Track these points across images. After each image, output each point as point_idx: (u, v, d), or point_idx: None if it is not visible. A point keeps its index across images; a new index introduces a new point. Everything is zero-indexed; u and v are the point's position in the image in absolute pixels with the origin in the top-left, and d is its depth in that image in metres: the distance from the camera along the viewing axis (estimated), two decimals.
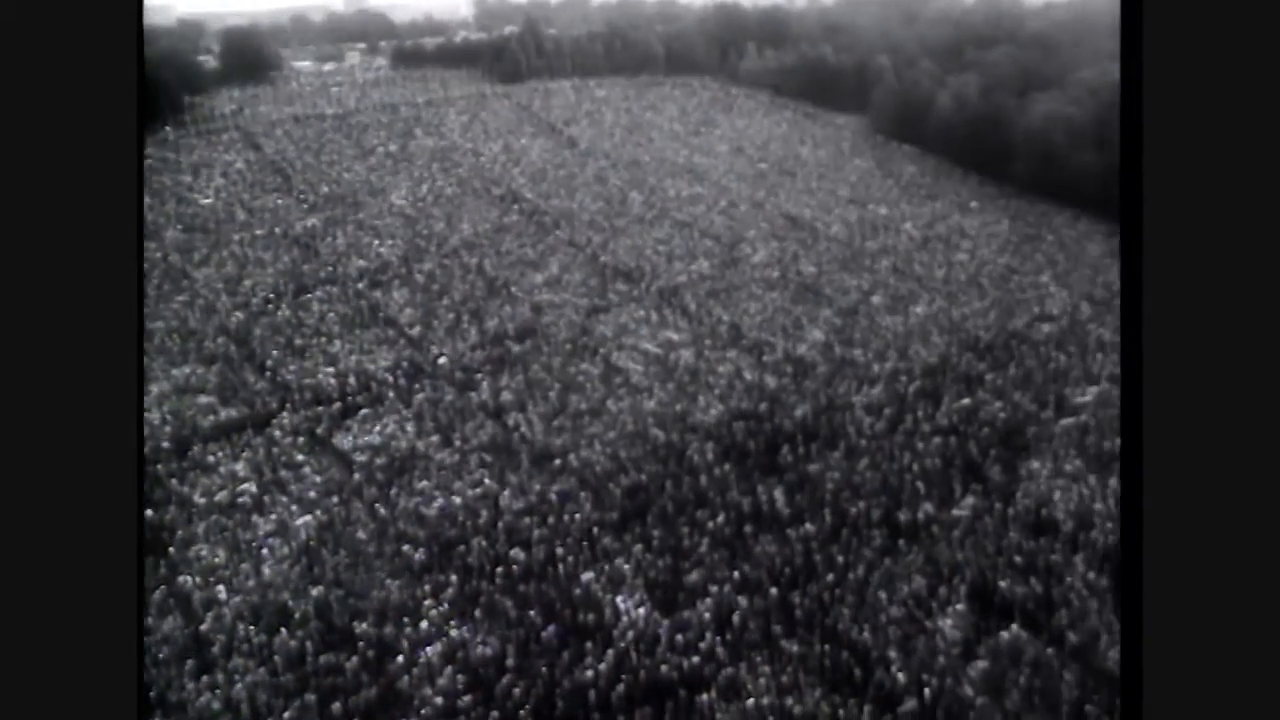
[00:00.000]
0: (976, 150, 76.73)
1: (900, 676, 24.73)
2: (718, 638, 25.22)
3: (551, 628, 24.73)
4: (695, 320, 43.83)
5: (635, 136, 76.91)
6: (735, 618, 26.00)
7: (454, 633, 24.63)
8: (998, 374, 42.74)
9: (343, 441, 33.94)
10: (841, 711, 23.51)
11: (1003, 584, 28.74)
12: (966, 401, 39.16)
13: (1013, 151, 75.03)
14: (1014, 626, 27.17)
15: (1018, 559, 30.02)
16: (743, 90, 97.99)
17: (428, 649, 24.06)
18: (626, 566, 27.35)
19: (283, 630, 24.61)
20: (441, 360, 39.14)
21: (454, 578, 26.47)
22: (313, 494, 30.94)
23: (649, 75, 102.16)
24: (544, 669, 23.43)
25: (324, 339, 41.59)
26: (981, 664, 25.57)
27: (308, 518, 29.40)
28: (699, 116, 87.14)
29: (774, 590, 27.06)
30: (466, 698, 22.45)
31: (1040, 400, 40.86)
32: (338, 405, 36.07)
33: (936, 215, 66.33)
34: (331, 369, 38.76)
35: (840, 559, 28.79)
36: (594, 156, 69.36)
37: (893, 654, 25.46)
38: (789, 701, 23.59)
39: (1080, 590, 28.96)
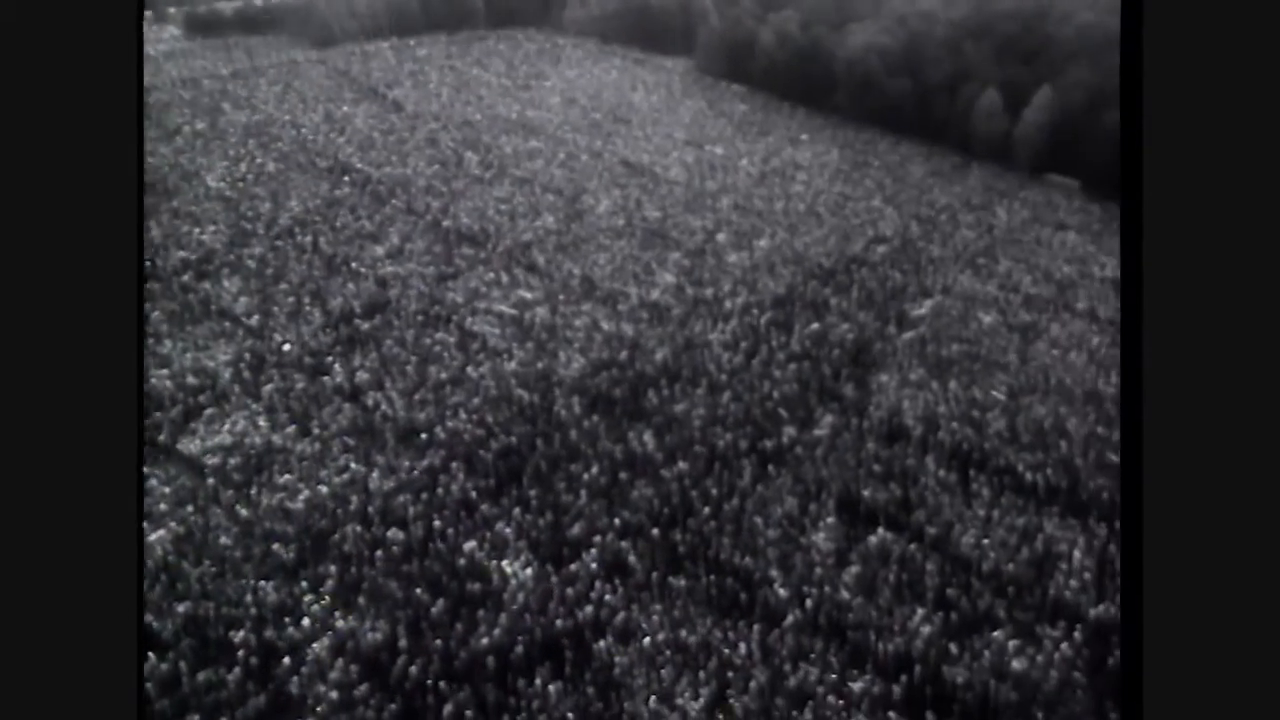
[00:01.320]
0: (801, 84, 79.16)
1: (783, 593, 26.08)
2: (607, 585, 25.71)
3: (440, 602, 24.47)
4: (546, 277, 43.56)
5: (463, 95, 74.63)
6: (621, 563, 26.59)
7: (340, 624, 23.94)
8: (841, 297, 44.92)
9: (189, 446, 31.86)
10: (731, 635, 24.62)
11: (866, 493, 30.67)
12: (816, 326, 41.02)
13: (834, 82, 77.89)
14: (880, 529, 29.15)
15: (876, 467, 32.05)
16: (569, 39, 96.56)
17: (314, 645, 23.31)
18: (508, 530, 27.31)
19: (150, 655, 23.16)
20: (287, 347, 37.27)
21: (332, 569, 25.64)
22: (163, 506, 28.99)
23: (470, 30, 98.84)
24: (438, 644, 23.21)
25: (151, 340, 38.68)
26: (854, 569, 27.34)
27: (161, 532, 27.58)
28: (527, 69, 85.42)
29: (655, 530, 27.76)
30: (362, 687, 21.99)
31: (882, 318, 43.36)
32: (178, 409, 33.74)
33: (770, 150, 68.21)
34: (165, 371, 36.16)
35: (715, 491, 29.81)
36: (423, 119, 66.90)
37: (774, 573, 26.79)
38: (683, 634, 24.44)
39: (934, 487, 31.32)
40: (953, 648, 24.70)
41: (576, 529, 27.55)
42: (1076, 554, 28.65)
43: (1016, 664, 24.32)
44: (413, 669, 22.43)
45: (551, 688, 22.43)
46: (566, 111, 72.30)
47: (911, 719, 22.50)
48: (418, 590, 24.76)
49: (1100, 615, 26.23)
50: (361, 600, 24.54)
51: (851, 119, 75.96)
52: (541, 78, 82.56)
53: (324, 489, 28.77)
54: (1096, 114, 63.85)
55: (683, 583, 26.15)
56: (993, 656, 24.55)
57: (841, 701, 22.96)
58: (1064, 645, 25.12)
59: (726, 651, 24.10)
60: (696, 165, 62.45)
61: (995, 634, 25.36)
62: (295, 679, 22.31)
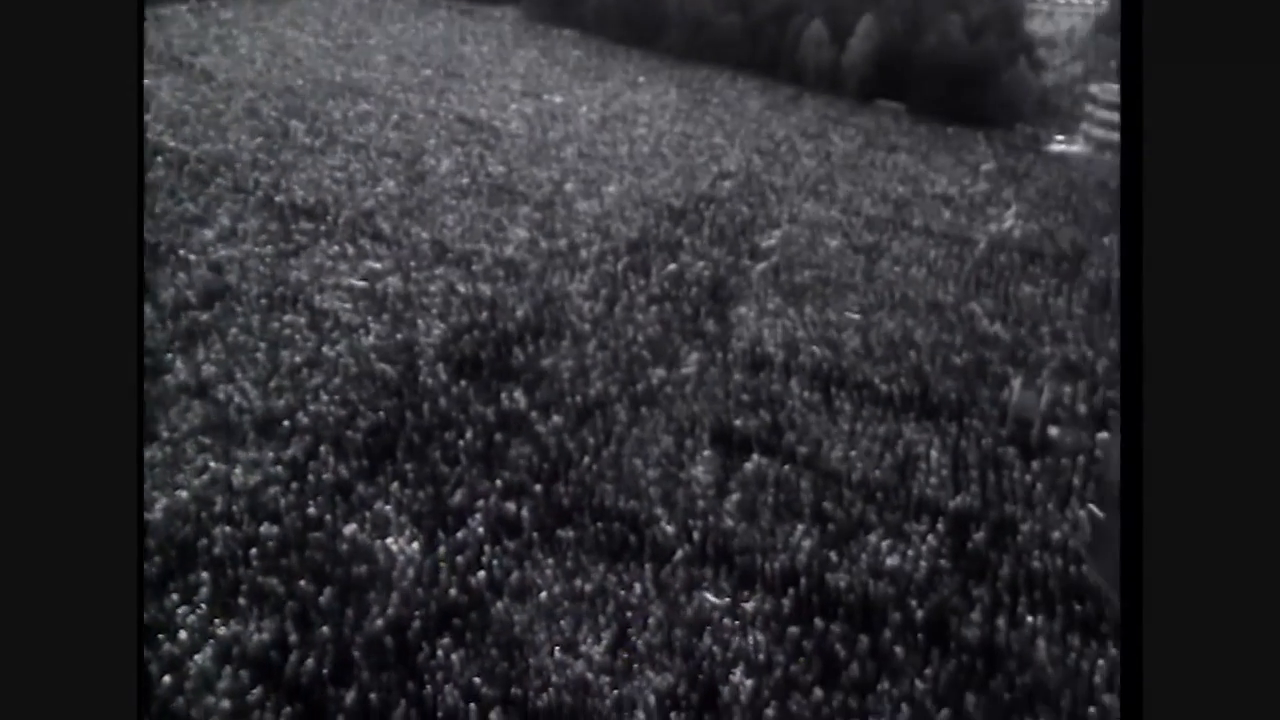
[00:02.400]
0: (634, 26, 78.76)
1: (669, 529, 26.80)
2: (496, 547, 25.63)
3: (327, 590, 23.71)
4: (394, 244, 41.99)
5: (280, 59, 69.88)
6: (508, 523, 26.53)
7: (222, 631, 22.82)
8: (694, 236, 45.66)
9: None
10: (625, 576, 25.16)
11: (737, 422, 31.73)
12: (673, 267, 41.58)
13: (666, 22, 77.89)
14: (754, 456, 30.30)
15: (745, 397, 33.16)
16: None
17: (196, 657, 22.14)
18: (388, 508, 26.66)
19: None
20: None
21: (205, 575, 24.30)
22: None
23: None
24: (330, 633, 22.56)
25: None
26: (734, 496, 28.38)
27: None
28: (347, 27, 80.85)
29: (538, 487, 27.79)
30: (255, 691, 21.13)
31: (735, 252, 44.42)
32: None
33: (609, 95, 67.79)
34: None
35: (591, 440, 30.07)
36: (238, 88, 62.28)
37: (659, 511, 27.44)
38: (577, 583, 24.75)
39: (800, 409, 32.76)
40: (833, 556, 26.20)
41: (458, 497, 27.21)
42: (934, 453, 30.81)
43: (891, 561, 26.08)
44: (308, 662, 21.76)
45: (454, 656, 22.32)
46: (395, 70, 69.16)
47: (802, 628, 23.80)
48: (301, 582, 23.89)
49: (958, 506, 28.43)
50: (242, 602, 23.45)
51: (686, 58, 76.42)
52: (364, 35, 78.42)
53: (183, 494, 27.08)
54: (916, 38, 66.88)
55: (571, 534, 26.40)
56: (869, 558, 26.21)
57: (737, 623, 23.99)
58: (929, 538, 27.12)
59: (622, 594, 24.62)
60: (536, 116, 61.38)
61: (870, 537, 27.06)
62: (180, 698, 21.19)
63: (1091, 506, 28.98)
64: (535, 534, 26.30)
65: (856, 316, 39.05)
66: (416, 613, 23.33)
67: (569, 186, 49.93)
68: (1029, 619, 24.53)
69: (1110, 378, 36.34)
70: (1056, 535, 27.47)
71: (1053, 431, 32.15)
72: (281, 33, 77.51)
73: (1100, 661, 23.63)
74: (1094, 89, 66.06)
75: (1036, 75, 71.79)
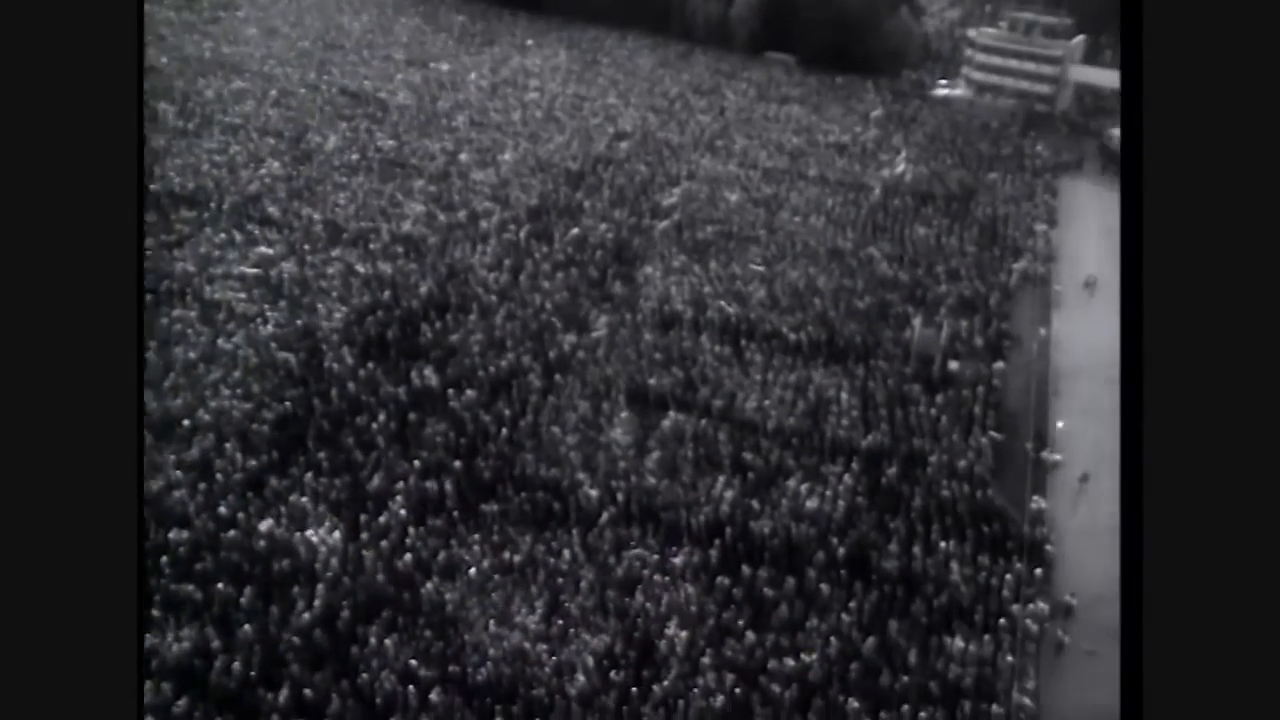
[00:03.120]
0: None
1: (593, 493, 26.94)
2: (420, 528, 25.30)
3: (248, 590, 22.97)
4: (285, 228, 40.30)
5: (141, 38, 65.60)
6: (430, 503, 26.20)
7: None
8: (594, 198, 45.35)
9: None
10: (553, 544, 25.24)
11: (651, 381, 31.96)
12: (575, 231, 41.25)
13: None
14: (671, 413, 30.63)
15: (657, 355, 33.38)
16: None
17: None
18: (304, 500, 25.93)
19: None
20: None
21: None
22: None
23: None
24: (255, 634, 21.93)
25: None
26: (655, 454, 28.69)
27: None
28: (212, 0, 76.36)
29: (457, 463, 27.47)
30: (180, 702, 20.39)
31: (636, 212, 44.35)
32: None
33: (497, 60, 66.24)
34: None
35: (507, 411, 29.84)
36: None
37: (581, 476, 27.52)
38: (506, 556, 24.70)
39: (712, 363, 33.21)
40: (754, 504, 26.85)
41: (376, 481, 26.67)
42: (844, 396, 31.75)
43: (810, 504, 26.89)
44: (234, 667, 21.12)
45: (388, 641, 22.04)
46: (269, 43, 65.78)
47: (730, 577, 24.39)
48: (220, 585, 23.08)
49: (870, 444, 29.46)
50: (156, 613, 22.52)
51: (574, 18, 75.18)
52: (231, 8, 74.18)
53: None
54: None
55: (495, 507, 26.27)
56: (789, 503, 26.97)
57: (667, 578, 24.41)
58: (845, 477, 28.06)
59: (552, 561, 24.70)
60: (424, 85, 59.50)
61: (789, 483, 27.81)
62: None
63: (992, 433, 30.46)
64: (458, 511, 26.06)
65: (760, 268, 39.64)
66: (345, 602, 22.90)
67: (463, 156, 48.77)
68: (942, 544, 25.76)
69: (1002, 310, 38.04)
70: (962, 463, 28.79)
71: (953, 365, 33.53)
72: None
73: (1008, 576, 25.05)
74: (971, 33, 68.01)
75: (918, 22, 73.52)
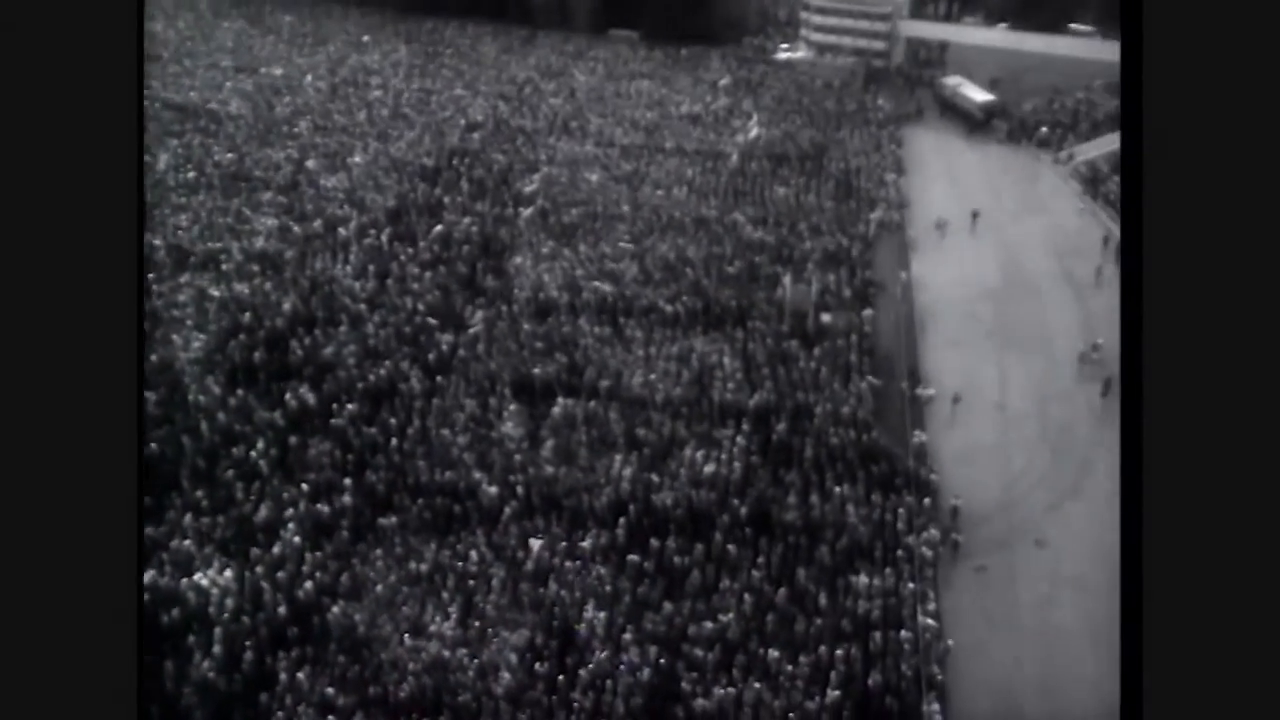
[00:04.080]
0: None
1: (492, 490, 26.60)
2: (317, 553, 24.36)
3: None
4: None
5: None
6: (323, 527, 25.25)
7: None
8: (453, 193, 44.37)
9: None
10: (459, 547, 24.82)
11: (536, 370, 31.71)
12: (439, 229, 40.29)
13: None
14: (559, 399, 30.53)
15: (538, 344, 33.12)
16: None
17: None
18: (187, 543, 24.47)
19: None
20: None
21: None
22: None
23: None
24: (154, 692, 20.62)
25: None
26: (549, 443, 28.55)
27: None
28: None
29: (348, 480, 26.56)
30: None
31: (499, 202, 43.67)
32: None
33: (334, 60, 63.60)
34: None
35: (393, 420, 29.02)
36: None
37: (478, 476, 27.11)
38: (412, 566, 24.12)
39: (594, 345, 33.21)
40: (654, 477, 27.15)
41: (263, 512, 25.46)
42: (726, 361, 32.43)
43: (708, 469, 27.43)
44: None
45: (300, 674, 21.19)
46: None
47: (640, 552, 24.64)
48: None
49: (757, 404, 30.25)
50: None
51: (410, 10, 72.87)
52: None
53: None
54: None
55: (394, 519, 25.58)
56: (687, 471, 27.41)
57: (578, 562, 24.43)
58: (738, 439, 28.74)
59: (460, 564, 24.31)
60: (258, 92, 56.48)
61: (684, 452, 28.24)
62: None
63: (870, 378, 31.84)
64: (356, 529, 25.24)
65: (629, 245, 39.85)
66: (247, 643, 21.85)
67: (310, 164, 46.70)
68: (836, 490, 26.80)
69: (864, 259, 39.63)
70: (846, 410, 29.98)
71: (826, 318, 34.76)
72: None
73: (900, 510, 26.36)
74: None
75: None
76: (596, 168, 47.89)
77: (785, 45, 68.30)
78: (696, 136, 52.20)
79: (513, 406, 29.98)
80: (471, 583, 23.82)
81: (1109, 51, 61.58)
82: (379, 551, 24.62)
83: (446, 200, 43.49)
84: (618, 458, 27.92)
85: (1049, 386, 32.62)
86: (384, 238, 39.54)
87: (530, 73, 62.21)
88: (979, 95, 55.71)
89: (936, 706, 21.22)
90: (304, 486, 26.26)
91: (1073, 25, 69.31)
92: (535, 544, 24.72)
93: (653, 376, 31.39)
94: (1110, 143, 49.52)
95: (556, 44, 67.97)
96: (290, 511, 25.47)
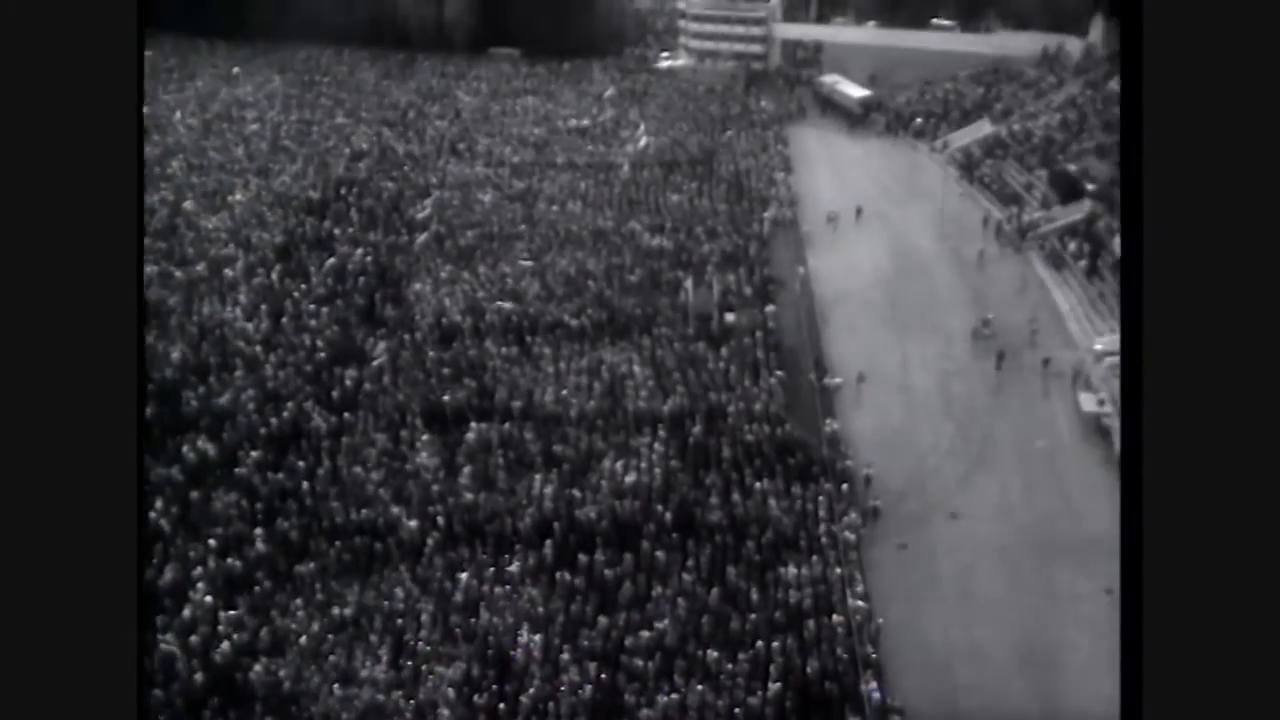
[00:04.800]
0: (210, 12, 70.99)
1: (413, 524, 25.91)
2: (230, 611, 23.24)
3: None
4: None
5: None
6: (233, 582, 24.13)
7: None
8: (344, 224, 43.21)
9: None
10: (383, 586, 24.09)
11: (446, 397, 31.10)
12: (332, 261, 39.15)
13: (247, 4, 71.14)
14: (473, 424, 29.98)
15: (445, 370, 32.50)
16: None
17: None
18: None
19: None
20: None
21: None
22: None
23: None
24: None
25: None
26: (466, 469, 28.00)
27: None
28: None
29: (257, 530, 25.44)
30: None
31: (392, 230, 42.75)
32: None
33: (204, 94, 61.22)
34: None
35: (301, 463, 27.99)
36: None
37: (396, 510, 26.36)
38: (335, 610, 23.27)
39: (503, 366, 32.81)
40: (576, 493, 26.97)
41: (169, 575, 24.08)
42: (636, 369, 32.54)
43: (629, 479, 27.42)
44: None
45: None
46: None
47: (569, 570, 24.42)
48: None
49: (672, 409, 30.43)
50: None
51: (281, 39, 70.68)
52: None
53: None
54: None
55: (311, 566, 24.64)
56: (609, 483, 27.32)
57: (507, 587, 24.03)
58: (655, 445, 28.84)
59: (386, 604, 23.58)
60: None
61: (604, 464, 28.16)
62: None
63: (778, 372, 32.48)
64: (271, 580, 24.19)
65: (529, 263, 39.63)
66: (161, 717, 20.64)
67: (188, 204, 44.69)
68: (757, 485, 27.18)
69: (761, 257, 40.45)
70: (758, 406, 30.48)
71: (730, 318, 35.32)
72: None
73: (820, 498, 26.94)
74: (681, 5, 71.26)
75: (631, 1, 75.97)
76: (489, 188, 47.49)
77: (666, 54, 69.35)
78: (586, 149, 52.39)
79: (425, 436, 29.32)
80: (400, 621, 23.12)
81: (970, 43, 65.21)
82: (299, 601, 23.66)
83: (337, 232, 42.34)
84: (537, 477, 27.62)
85: (947, 364, 33.98)
86: (274, 276, 38.16)
87: (412, 96, 61.31)
88: (856, 91, 57.79)
89: (874, 685, 21.72)
90: (211, 542, 25.02)
91: (935, 20, 72.91)
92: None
93: (564, 392, 31.22)
94: (980, 129, 52.13)
95: (436, 66, 67.22)
96: (199, 570, 24.22)
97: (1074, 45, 57.53)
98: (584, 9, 68.24)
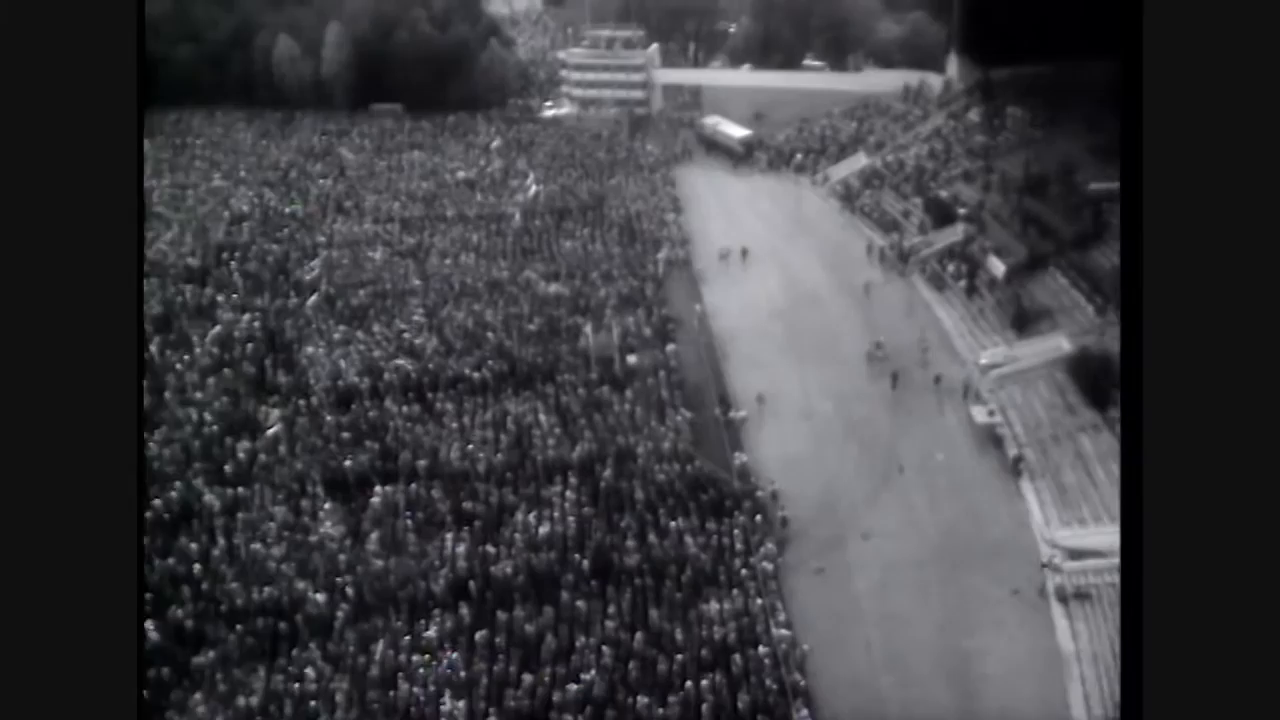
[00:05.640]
0: None
1: (320, 598, 24.73)
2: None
3: None
4: None
5: None
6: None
7: None
8: (227, 290, 41.49)
9: None
10: (292, 668, 22.82)
11: (347, 463, 29.97)
12: (217, 330, 37.47)
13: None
14: (378, 487, 28.98)
15: (345, 435, 31.35)
16: None
17: None
18: None
19: None
20: None
21: None
22: None
23: None
24: None
25: None
26: (374, 535, 26.98)
27: None
28: None
29: (148, 623, 23.77)
30: None
31: (279, 293, 41.28)
32: None
33: None
34: None
35: (194, 545, 26.42)
36: None
37: (302, 585, 25.13)
38: (240, 700, 21.89)
39: (405, 425, 31.92)
40: (489, 549, 26.33)
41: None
42: (542, 418, 32.18)
43: (543, 530, 26.96)
44: None
45: None
46: None
47: (488, 626, 23.74)
48: None
49: (580, 455, 30.19)
50: None
51: (149, 103, 67.90)
52: None
53: None
54: (388, 38, 66.95)
55: (210, 655, 23.16)
56: (523, 536, 26.80)
57: (425, 655, 23.15)
58: (567, 493, 28.51)
59: (296, 686, 22.34)
60: None
61: (516, 517, 27.63)
62: None
63: (683, 410, 32.72)
64: (168, 674, 22.60)
65: (423, 318, 38.94)
66: None
67: None
68: (672, 525, 27.16)
69: (659, 298, 40.92)
70: (666, 445, 30.57)
71: (631, 359, 35.47)
72: None
73: (735, 531, 27.10)
74: (562, 55, 72.24)
75: (510, 52, 76.48)
76: (379, 245, 46.63)
77: (549, 103, 70.04)
78: (477, 201, 52.16)
79: (327, 505, 28.19)
80: (314, 704, 21.95)
81: (840, 82, 68.41)
82: (198, 696, 22.16)
83: (220, 299, 40.65)
84: (448, 536, 26.88)
85: (845, 388, 34.97)
86: (153, 349, 36.22)
87: (293, 155, 59.84)
88: (737, 131, 59.63)
89: (805, 712, 21.80)
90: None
91: (806, 62, 76.33)
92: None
93: (470, 446, 30.60)
94: (856, 161, 54.52)
95: (317, 124, 65.84)
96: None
97: (934, 80, 61.10)
98: (464, 62, 68.32)
